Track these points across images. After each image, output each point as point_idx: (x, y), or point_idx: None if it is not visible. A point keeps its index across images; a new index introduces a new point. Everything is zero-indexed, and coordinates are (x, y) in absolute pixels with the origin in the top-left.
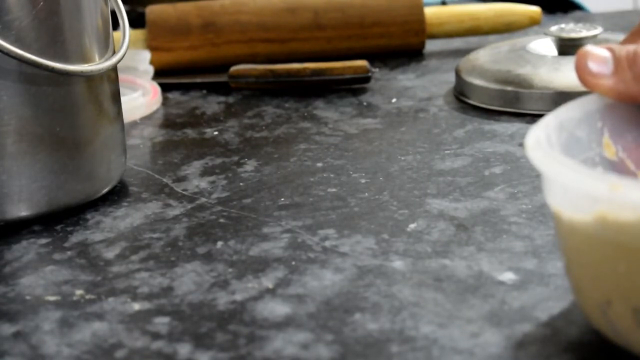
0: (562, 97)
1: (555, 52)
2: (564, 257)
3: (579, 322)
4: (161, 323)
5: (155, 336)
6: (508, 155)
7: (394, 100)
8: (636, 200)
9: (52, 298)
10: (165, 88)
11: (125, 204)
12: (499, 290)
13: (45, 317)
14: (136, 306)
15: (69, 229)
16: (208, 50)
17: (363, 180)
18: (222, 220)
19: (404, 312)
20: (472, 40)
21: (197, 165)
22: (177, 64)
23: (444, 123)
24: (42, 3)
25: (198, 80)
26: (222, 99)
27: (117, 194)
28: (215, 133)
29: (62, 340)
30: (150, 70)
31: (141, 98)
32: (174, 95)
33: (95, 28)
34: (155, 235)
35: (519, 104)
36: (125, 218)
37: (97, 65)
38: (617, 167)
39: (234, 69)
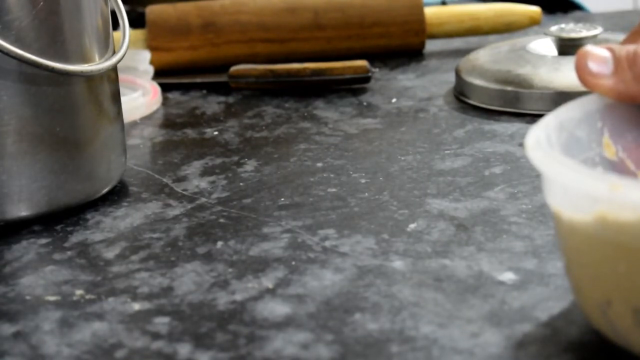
0: (562, 97)
1: (555, 52)
2: (564, 257)
3: (579, 322)
4: (161, 323)
5: (155, 336)
6: (508, 155)
7: (394, 100)
8: (636, 200)
9: (52, 298)
10: (165, 88)
11: (125, 204)
12: (499, 290)
13: (45, 317)
14: (136, 306)
15: (69, 229)
16: (208, 50)
17: (363, 180)
18: (222, 220)
19: (404, 312)
20: (472, 40)
21: (197, 165)
22: (177, 64)
23: (444, 123)
24: (42, 3)
25: (198, 80)
26: (222, 99)
27: (117, 194)
28: (215, 133)
29: (62, 340)
30: (150, 70)
31: (141, 98)
32: (174, 95)
33: (95, 28)
34: (155, 235)
35: (519, 104)
36: (125, 218)
37: (97, 65)
38: (617, 167)
39: (234, 69)
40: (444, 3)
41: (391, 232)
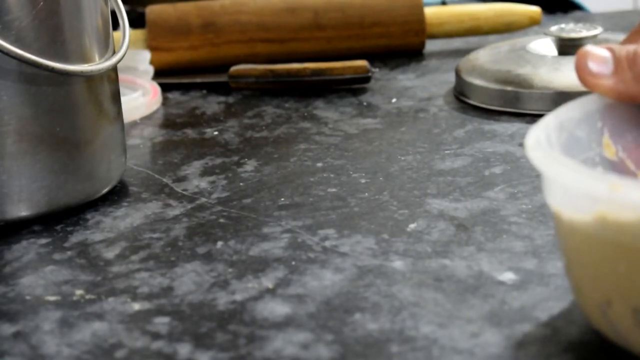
0: (562, 97)
1: (555, 52)
2: (564, 257)
3: (579, 322)
4: (161, 323)
5: (155, 336)
6: (508, 155)
7: (394, 100)
8: (636, 200)
9: (52, 298)
10: (165, 88)
11: (125, 204)
12: (499, 290)
13: (45, 317)
14: (136, 306)
15: (69, 229)
16: (208, 50)
17: (363, 180)
18: (222, 220)
19: (404, 312)
20: (472, 40)
21: (197, 165)
22: (177, 64)
23: (444, 123)
24: (42, 3)
25: (198, 80)
26: (222, 99)
27: (117, 194)
28: (215, 133)
29: (62, 340)
30: (150, 70)
31: (141, 98)
32: (174, 95)
33: (95, 28)
34: (155, 235)
35: (519, 104)
36: (125, 218)
37: (97, 65)
38: (617, 167)
39: (234, 69)
40: (444, 3)
41: (391, 232)
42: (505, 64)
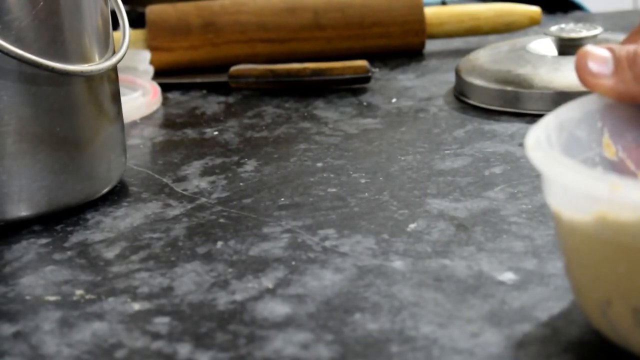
0: (562, 97)
1: (555, 52)
2: (564, 257)
3: (579, 322)
4: (161, 323)
5: (155, 336)
6: (508, 155)
7: (394, 100)
8: (636, 200)
9: (52, 298)
10: (165, 88)
11: (125, 204)
12: (499, 290)
13: (45, 317)
14: (136, 306)
15: (69, 229)
16: (208, 50)
17: (363, 180)
18: (222, 220)
19: (404, 312)
20: (472, 40)
21: (197, 165)
22: (177, 64)
23: (444, 123)
24: (42, 3)
25: (198, 80)
26: (222, 99)
27: (117, 194)
28: (215, 133)
29: (62, 340)
30: (150, 70)
31: (141, 98)
32: (174, 95)
33: (95, 28)
34: (155, 235)
35: (519, 104)
36: (125, 218)
37: (97, 65)
38: (617, 167)
39: (234, 69)
40: (444, 3)
41: (391, 232)
42: (505, 64)
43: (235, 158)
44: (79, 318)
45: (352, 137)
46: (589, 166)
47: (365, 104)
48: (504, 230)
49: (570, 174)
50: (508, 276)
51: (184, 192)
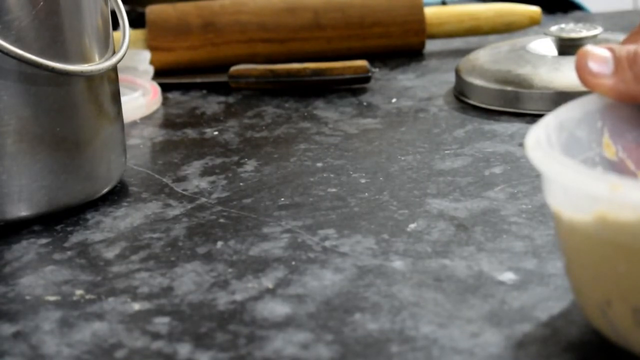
0: (562, 97)
1: (555, 52)
2: (564, 257)
3: (579, 322)
4: (161, 323)
5: (155, 336)
6: (508, 155)
7: (394, 100)
8: (636, 200)
9: (52, 298)
10: (165, 88)
11: (125, 204)
12: (499, 290)
13: (45, 317)
14: (136, 306)
15: (69, 229)
16: (208, 50)
17: (363, 180)
18: (222, 220)
19: (404, 312)
20: (472, 40)
21: (197, 165)
22: (177, 64)
23: (444, 123)
24: (42, 3)
25: (198, 80)
26: (222, 99)
27: (117, 194)
28: (215, 133)
29: (62, 340)
30: (150, 70)
31: (141, 98)
32: (174, 95)
33: (95, 28)
34: (155, 235)
35: (519, 104)
36: (125, 218)
37: (97, 65)
38: (617, 167)
39: (234, 69)
40: (444, 3)
41: (391, 232)
42: (505, 64)
43: (235, 158)
44: (79, 318)
45: (352, 137)
46: (589, 166)
47: (365, 104)
48: (504, 230)
49: (570, 174)
50: (508, 276)
51: (184, 192)
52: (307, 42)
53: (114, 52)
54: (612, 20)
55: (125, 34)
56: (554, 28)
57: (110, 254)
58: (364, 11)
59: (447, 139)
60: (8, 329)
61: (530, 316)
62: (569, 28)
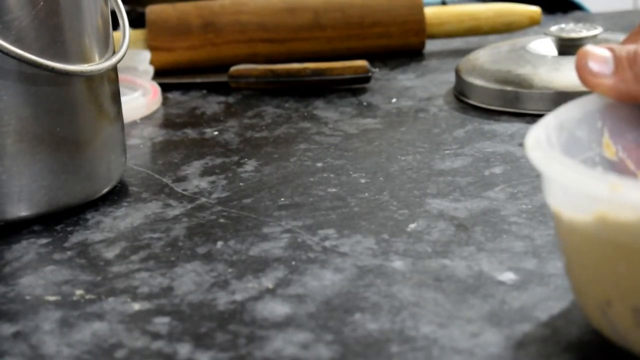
0: (562, 97)
1: (555, 52)
2: (564, 257)
3: (579, 322)
4: (161, 323)
5: (155, 336)
6: (508, 155)
7: (394, 100)
8: (636, 200)
9: (52, 298)
10: (165, 88)
11: (125, 204)
12: (499, 290)
13: (45, 317)
14: (136, 306)
15: (69, 229)
16: (208, 50)
17: (363, 180)
18: (222, 220)
19: (404, 312)
20: (472, 40)
21: (197, 165)
22: (177, 64)
23: (444, 123)
24: (42, 3)
25: (198, 80)
26: (222, 99)
27: (117, 194)
28: (215, 133)
29: (62, 340)
30: (150, 70)
31: (141, 98)
32: (174, 95)
33: (95, 28)
34: (155, 235)
35: (519, 104)
36: (125, 218)
37: (97, 65)
38: (617, 167)
39: (234, 69)
40: (444, 3)
41: (391, 232)
42: (505, 64)
43: (235, 158)
44: (79, 318)
45: (352, 137)
46: (589, 166)
47: (365, 104)
48: (504, 230)
49: (570, 174)
50: (508, 276)
51: (184, 192)
52: (307, 42)
53: (114, 52)
54: (612, 20)
55: (125, 34)
56: (554, 28)
57: (110, 254)
58: (364, 11)
59: (447, 139)
60: (8, 329)
61: (530, 316)
62: (569, 28)
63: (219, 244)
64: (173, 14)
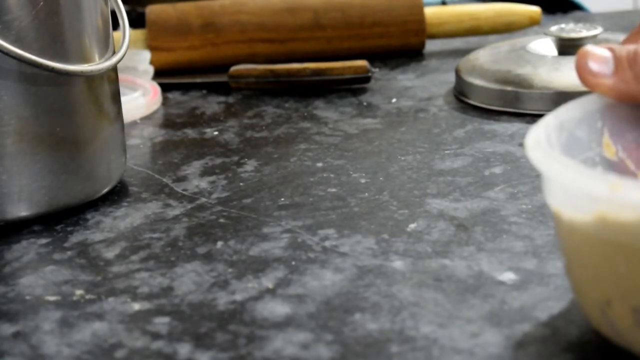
0: (562, 97)
1: (555, 52)
2: (564, 257)
3: (579, 322)
4: (161, 323)
5: (155, 336)
6: (508, 155)
7: (394, 100)
8: (636, 200)
9: (52, 298)
10: (165, 88)
11: (125, 204)
12: (499, 290)
13: (45, 317)
14: (136, 306)
15: (69, 229)
16: (208, 50)
17: (363, 180)
18: (222, 220)
19: (404, 312)
20: (472, 40)
21: (197, 165)
22: (177, 64)
23: (444, 123)
24: (42, 3)
25: (198, 80)
26: (222, 99)
27: (117, 194)
28: (215, 133)
29: (62, 340)
30: (150, 70)
31: (141, 98)
32: (174, 95)
33: (95, 28)
34: (155, 235)
35: (519, 104)
36: (125, 218)
37: (97, 65)
38: (617, 167)
39: (234, 69)
40: (444, 3)
41: (391, 232)
42: (505, 64)
43: (235, 158)
44: (79, 318)
45: (352, 137)
46: (589, 166)
47: (365, 104)
48: (504, 230)
49: (570, 174)
50: (508, 276)
51: (184, 192)
52: (307, 42)
53: (114, 52)
54: (612, 20)
55: (125, 34)
56: (554, 28)
57: (110, 254)
58: (364, 11)
59: (447, 139)
60: (8, 329)
61: (530, 316)
62: (569, 28)
63: (219, 244)
64: (173, 14)
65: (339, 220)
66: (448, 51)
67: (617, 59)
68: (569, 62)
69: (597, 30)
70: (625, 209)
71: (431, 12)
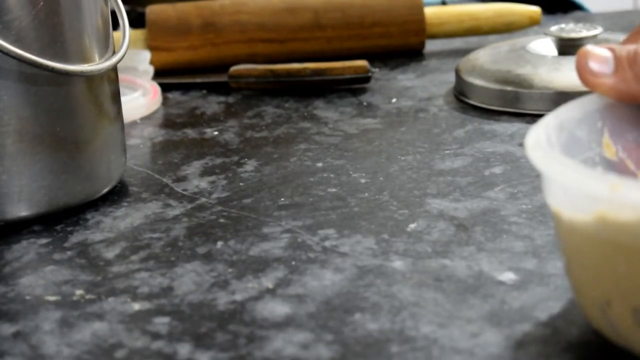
0: (562, 97)
1: (555, 52)
2: (564, 257)
3: (579, 322)
4: (161, 323)
5: (155, 336)
6: (508, 155)
7: (394, 100)
8: (636, 200)
9: (52, 298)
10: (165, 88)
11: (125, 204)
12: (499, 290)
13: (45, 317)
14: (136, 306)
15: (69, 229)
16: (208, 50)
17: (363, 180)
18: (222, 220)
19: (404, 312)
20: (472, 40)
21: (197, 165)
22: (177, 64)
23: (444, 123)
24: (42, 3)
25: (198, 80)
26: (222, 99)
27: (117, 194)
28: (215, 133)
29: (62, 340)
30: (150, 70)
31: (141, 98)
32: (174, 95)
33: (95, 28)
34: (155, 235)
35: (519, 104)
36: (125, 218)
37: (97, 65)
38: (617, 167)
39: (234, 69)
40: (444, 3)
41: (391, 232)
42: (505, 64)
43: (235, 158)
44: (79, 318)
45: (352, 137)
46: (589, 166)
47: (365, 104)
48: (504, 230)
49: (570, 174)
50: (508, 276)
51: (184, 192)
52: (307, 42)
53: (114, 52)
54: (612, 20)
55: (125, 34)
56: (554, 28)
57: (110, 254)
58: (364, 11)
59: (447, 139)
60: (8, 329)
61: (530, 316)
62: (569, 28)
63: (219, 244)
64: (173, 14)
65: (339, 220)
66: (448, 51)
67: (617, 59)
68: (569, 62)
69: (597, 30)
70: (625, 209)
71: (431, 12)
